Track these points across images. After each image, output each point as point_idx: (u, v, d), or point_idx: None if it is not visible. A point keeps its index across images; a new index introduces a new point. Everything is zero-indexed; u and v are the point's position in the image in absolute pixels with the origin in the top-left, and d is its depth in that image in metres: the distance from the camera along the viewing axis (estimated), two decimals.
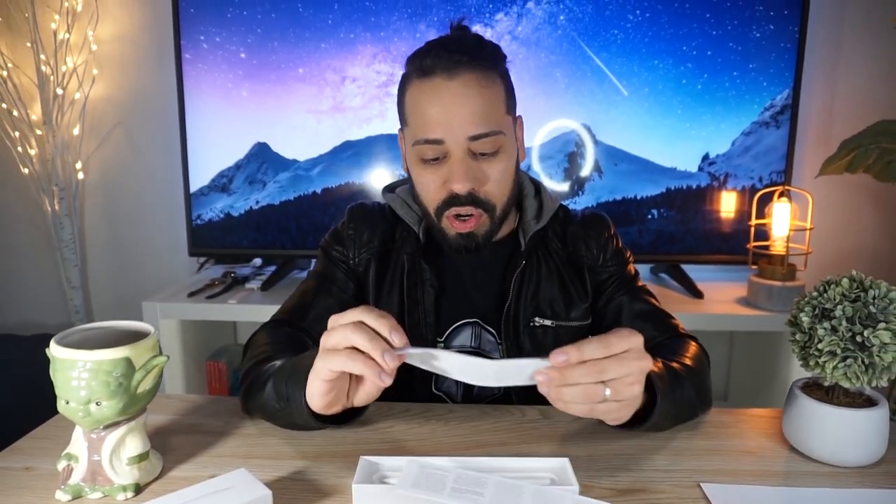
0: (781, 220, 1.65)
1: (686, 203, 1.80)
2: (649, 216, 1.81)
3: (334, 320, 0.67)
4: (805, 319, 0.75)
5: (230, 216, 1.89)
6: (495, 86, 0.84)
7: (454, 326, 0.96)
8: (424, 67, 0.83)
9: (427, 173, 0.86)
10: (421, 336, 0.94)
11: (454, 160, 0.84)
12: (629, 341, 0.63)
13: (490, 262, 0.96)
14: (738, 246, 1.81)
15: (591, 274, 0.97)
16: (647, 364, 0.64)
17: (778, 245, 1.67)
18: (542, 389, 0.63)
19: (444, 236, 0.90)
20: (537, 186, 0.99)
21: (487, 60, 0.84)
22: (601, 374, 0.62)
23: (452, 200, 0.85)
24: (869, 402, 0.76)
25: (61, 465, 0.68)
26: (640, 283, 0.99)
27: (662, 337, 0.92)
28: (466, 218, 0.86)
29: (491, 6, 1.74)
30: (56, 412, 0.84)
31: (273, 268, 1.98)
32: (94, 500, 0.66)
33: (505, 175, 0.87)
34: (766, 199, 1.73)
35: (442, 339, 0.95)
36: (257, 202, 1.88)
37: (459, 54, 0.82)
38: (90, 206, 2.17)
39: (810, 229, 1.67)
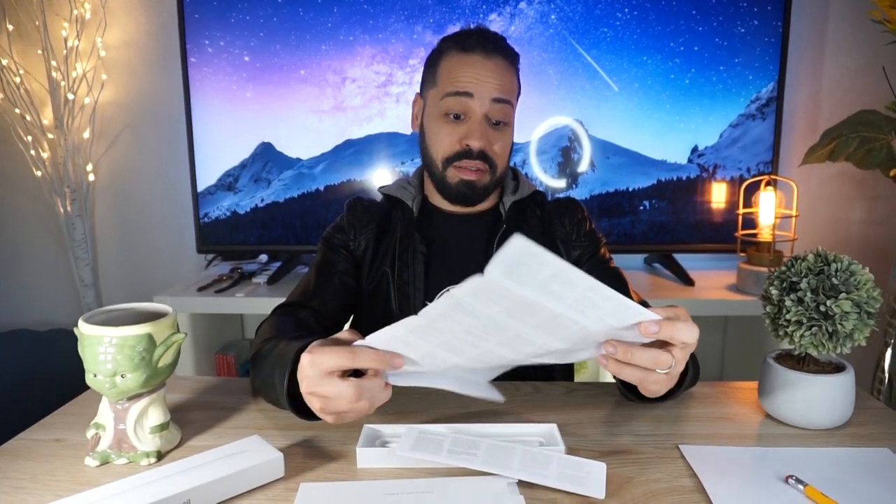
0: (767, 208, 1.71)
1: (676, 194, 1.86)
2: (641, 207, 1.87)
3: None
4: (774, 292, 0.80)
5: (236, 214, 1.95)
6: (514, 75, 1.02)
7: (441, 293, 1.02)
8: (466, 45, 0.98)
9: (447, 128, 0.99)
10: (408, 296, 1.02)
11: (474, 120, 0.97)
12: (685, 312, 0.66)
13: (475, 232, 1.06)
14: (727, 235, 1.86)
15: (564, 246, 1.05)
16: (697, 333, 0.65)
17: (765, 233, 1.72)
18: (608, 349, 0.63)
19: (444, 186, 1.02)
20: (515, 172, 1.12)
21: (513, 56, 1.02)
22: (678, 336, 0.63)
23: (465, 154, 0.98)
24: (836, 370, 0.81)
25: (90, 433, 0.73)
26: (612, 265, 1.06)
27: None
28: (474, 169, 0.98)
29: (485, 7, 1.80)
30: (72, 397, 0.91)
31: (279, 263, 2.03)
32: (119, 465, 0.72)
33: (506, 144, 1.01)
34: (753, 189, 1.78)
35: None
36: (262, 200, 1.94)
37: (495, 43, 0.99)
38: (101, 206, 2.23)
39: (796, 217, 1.72)
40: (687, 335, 0.63)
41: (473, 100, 0.96)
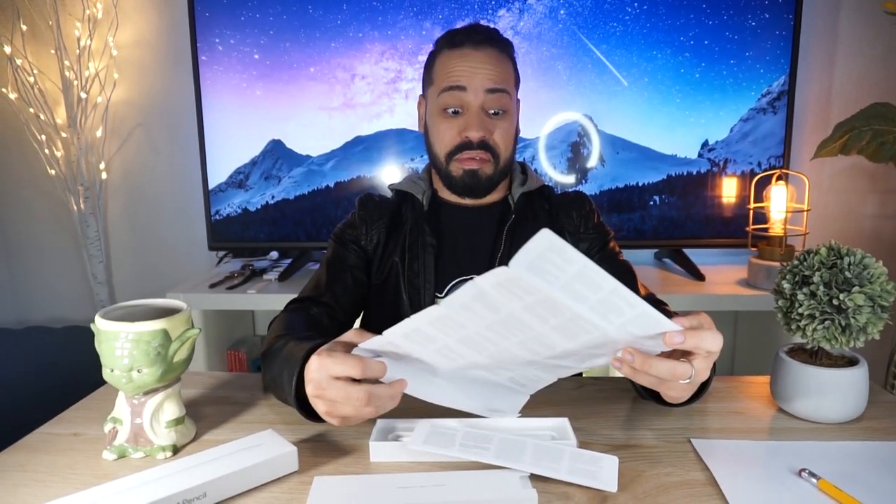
0: (779, 202, 1.69)
1: (687, 189, 1.85)
2: (651, 202, 1.87)
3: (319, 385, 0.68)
4: (786, 286, 0.80)
5: (247, 211, 1.97)
6: (507, 63, 1.02)
7: (452, 284, 1.04)
8: (455, 41, 1.00)
9: (446, 123, 1.01)
10: (418, 288, 1.02)
11: (471, 113, 0.99)
12: (709, 320, 0.65)
13: (484, 224, 1.07)
14: (738, 229, 1.85)
15: (572, 238, 1.05)
16: (722, 341, 0.64)
17: (776, 227, 1.71)
18: (625, 357, 0.63)
19: (451, 181, 1.03)
20: (523, 166, 1.14)
21: (504, 44, 1.03)
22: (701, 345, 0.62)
23: (465, 146, 1.00)
24: (850, 364, 0.81)
25: (107, 427, 0.75)
26: (621, 258, 1.06)
27: None
28: (476, 159, 1.00)
29: (493, 3, 1.80)
30: (88, 393, 0.92)
31: (289, 260, 2.04)
32: (136, 459, 0.73)
33: (508, 132, 1.02)
34: (764, 184, 1.77)
35: (442, 295, 1.04)
36: (273, 197, 1.95)
37: (484, 35, 1.01)
38: (113, 204, 2.26)
39: (807, 211, 1.71)
40: (711, 343, 0.62)
41: (467, 93, 0.98)
